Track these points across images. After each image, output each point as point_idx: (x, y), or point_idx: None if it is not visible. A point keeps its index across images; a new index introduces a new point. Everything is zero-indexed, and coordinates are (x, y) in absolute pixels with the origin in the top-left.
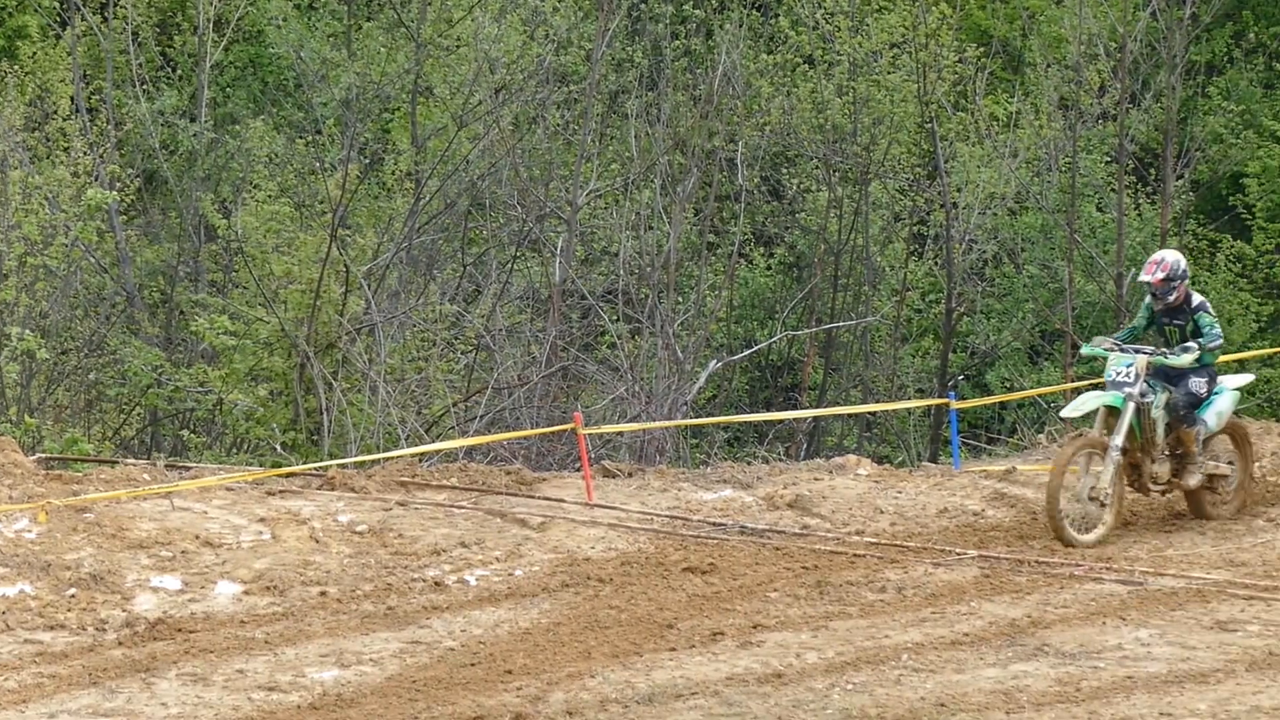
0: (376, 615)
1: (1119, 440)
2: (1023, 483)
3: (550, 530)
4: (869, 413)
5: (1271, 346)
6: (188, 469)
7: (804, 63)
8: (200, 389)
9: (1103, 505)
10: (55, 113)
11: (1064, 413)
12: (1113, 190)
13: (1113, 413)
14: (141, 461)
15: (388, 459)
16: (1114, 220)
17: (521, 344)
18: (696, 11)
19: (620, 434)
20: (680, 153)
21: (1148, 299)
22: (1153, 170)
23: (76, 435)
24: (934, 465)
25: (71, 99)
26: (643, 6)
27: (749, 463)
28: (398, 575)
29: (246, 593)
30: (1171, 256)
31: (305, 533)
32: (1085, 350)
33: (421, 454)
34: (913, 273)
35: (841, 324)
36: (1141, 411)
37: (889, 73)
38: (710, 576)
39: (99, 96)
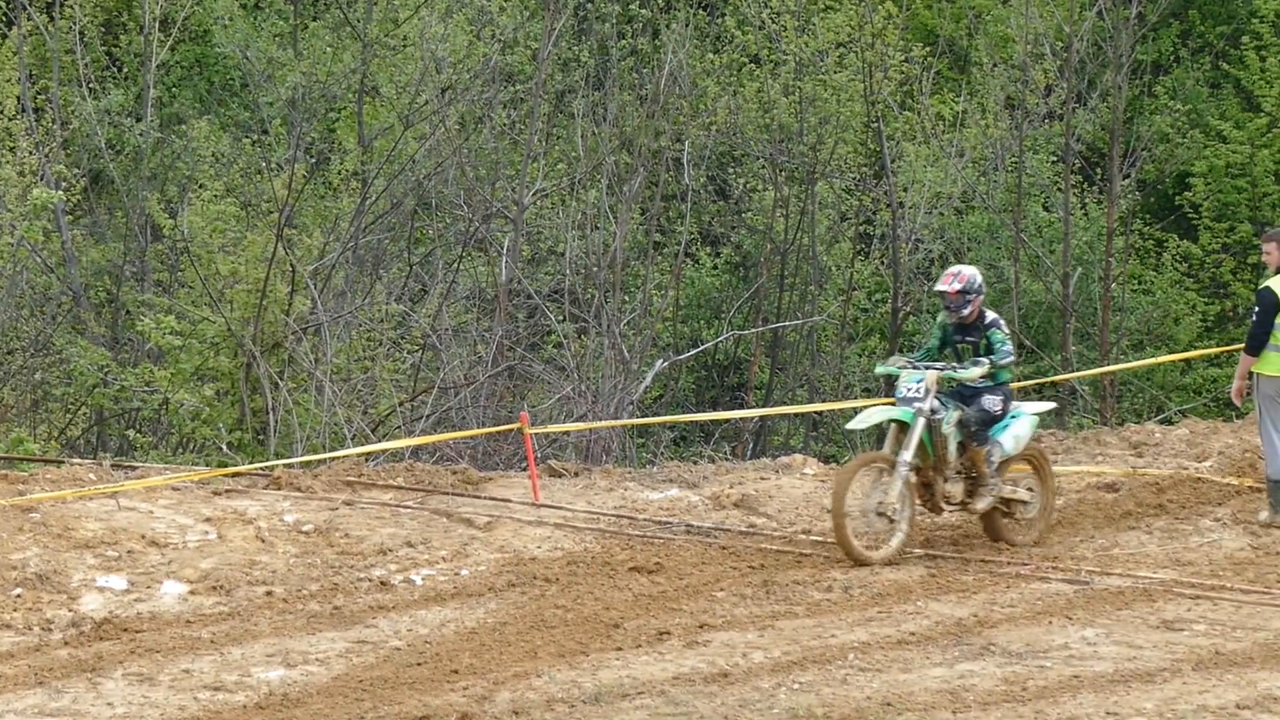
0: (323, 615)
1: (908, 456)
2: None
3: (496, 530)
4: (815, 412)
5: (1218, 346)
6: (134, 469)
7: (750, 62)
8: (146, 389)
9: (892, 521)
10: (1, 112)
11: (849, 426)
12: (1059, 190)
13: (903, 429)
14: (87, 461)
15: (334, 459)
16: (1060, 220)
17: (468, 343)
18: (643, 11)
19: (566, 433)
20: (626, 152)
21: (941, 316)
22: (1099, 170)
23: (22, 435)
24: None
25: (18, 98)
26: (589, 6)
27: (695, 462)
28: (344, 575)
29: (192, 592)
30: (969, 270)
31: (251, 533)
32: (879, 369)
33: (368, 454)
34: (859, 272)
35: (788, 323)
36: (932, 428)
37: (835, 72)
38: (656, 576)
39: (45, 96)
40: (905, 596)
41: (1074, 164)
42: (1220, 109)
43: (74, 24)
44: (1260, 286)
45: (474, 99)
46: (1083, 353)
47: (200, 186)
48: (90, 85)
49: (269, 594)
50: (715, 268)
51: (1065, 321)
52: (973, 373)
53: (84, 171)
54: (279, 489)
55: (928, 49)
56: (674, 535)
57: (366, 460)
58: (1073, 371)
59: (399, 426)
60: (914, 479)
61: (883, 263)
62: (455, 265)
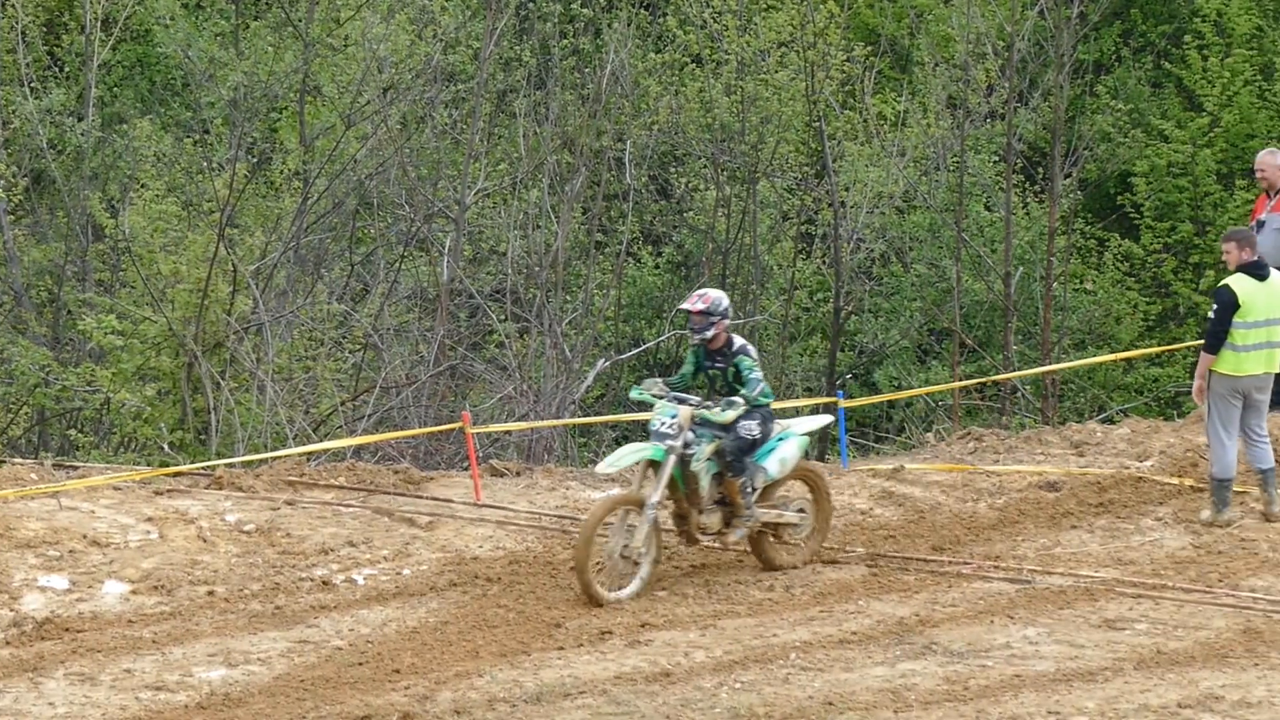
0: (264, 615)
1: (656, 497)
2: (910, 481)
3: (438, 529)
4: None
5: (1159, 345)
6: (75, 468)
7: (692, 62)
8: (88, 388)
9: (636, 563)
10: None
11: (599, 468)
12: (1001, 189)
13: (654, 464)
14: (29, 461)
15: (275, 458)
16: (1002, 219)
17: (409, 343)
18: (585, 11)
19: (508, 433)
20: (568, 152)
21: (695, 339)
22: (1040, 169)
23: None
24: (822, 464)
25: None
26: (531, 6)
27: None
28: (285, 575)
29: (134, 592)
30: (715, 293)
31: (193, 532)
32: (633, 394)
33: (309, 453)
34: (800, 271)
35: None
36: (684, 463)
37: (777, 72)
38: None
39: None
40: (847, 596)
41: (1016, 163)
42: (1162, 108)
43: (15, 24)
44: (1218, 285)
45: (416, 98)
46: (1024, 352)
47: (142, 186)
48: (31, 85)
49: (210, 594)
50: (657, 267)
51: (1007, 321)
52: (727, 416)
53: (25, 171)
54: (220, 489)
55: (869, 48)
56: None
57: (308, 460)
58: (1014, 371)
59: (341, 426)
60: (668, 511)
61: (824, 262)
62: (397, 265)
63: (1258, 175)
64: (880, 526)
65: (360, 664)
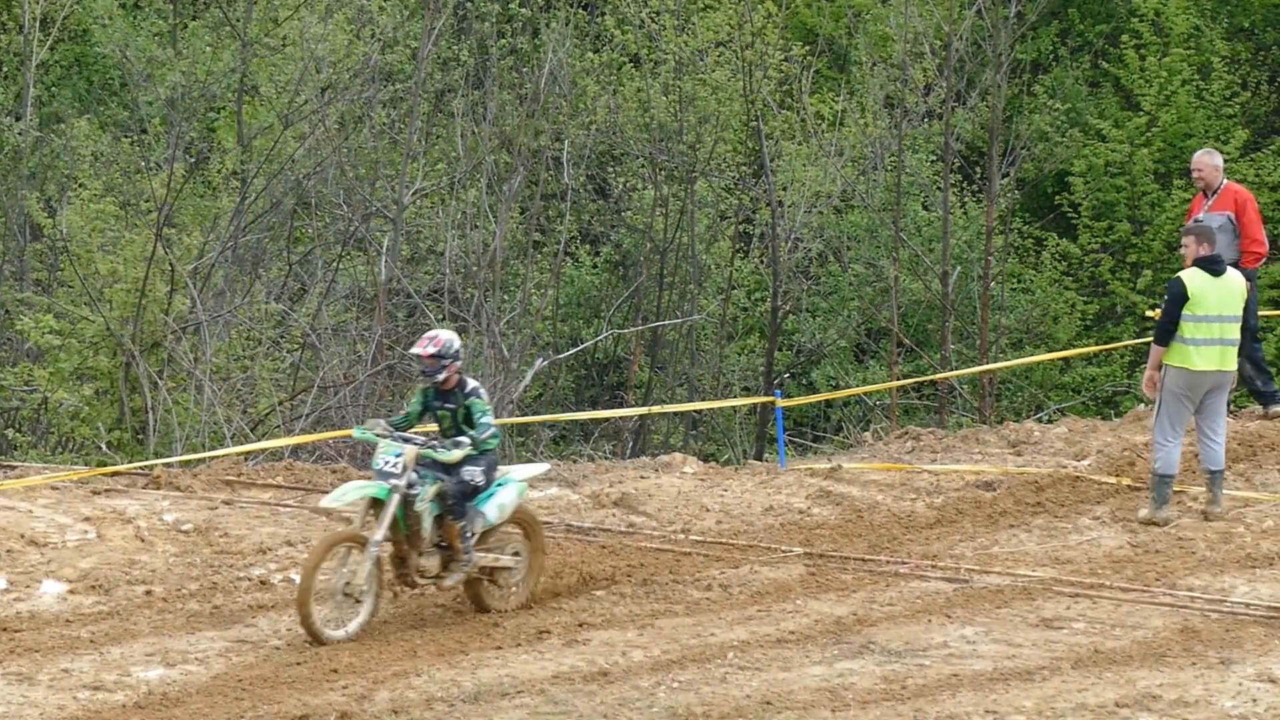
0: (202, 614)
1: (379, 535)
2: (848, 481)
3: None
4: (695, 411)
5: (1097, 345)
6: (13, 468)
7: (630, 62)
8: (25, 388)
9: (358, 601)
10: None
11: (324, 503)
12: (938, 188)
13: (377, 503)
14: None
15: (213, 458)
16: (940, 219)
17: (347, 343)
18: (523, 10)
19: None
20: (506, 151)
21: (427, 382)
22: (978, 168)
23: None
24: (760, 463)
25: None
26: (469, 5)
27: (575, 461)
28: (223, 574)
29: (72, 592)
30: (446, 335)
31: (130, 532)
32: (356, 433)
33: (247, 453)
34: (738, 271)
35: (667, 322)
36: (408, 503)
37: (714, 71)
38: None
39: None
40: (785, 595)
41: (953, 163)
42: (1099, 108)
43: None
44: (1171, 278)
45: (354, 98)
46: (962, 351)
47: (79, 185)
48: None
49: (148, 593)
50: (595, 267)
51: (944, 320)
52: (454, 455)
53: None
54: (158, 488)
55: (807, 48)
56: (554, 534)
57: (246, 459)
58: (952, 370)
59: (278, 426)
60: (388, 552)
61: (762, 261)
62: (335, 264)
63: (1194, 175)
64: (818, 526)
65: (298, 663)
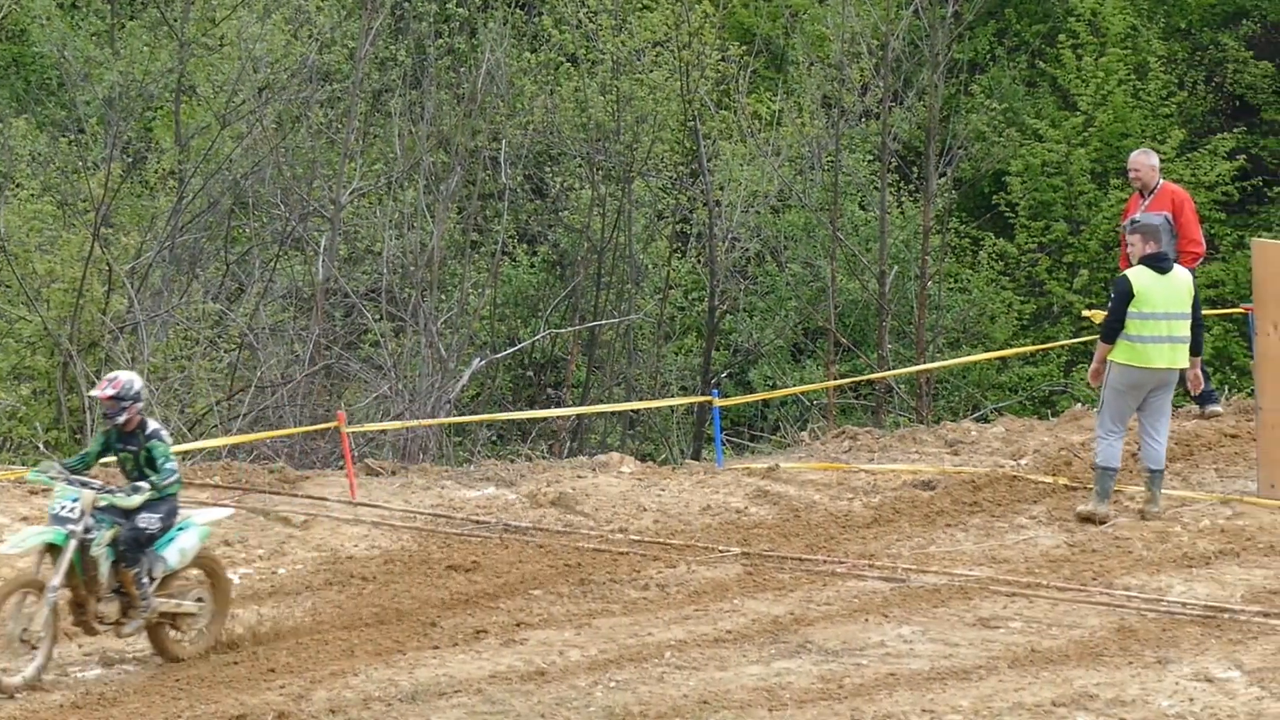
0: None
1: (56, 582)
2: (785, 480)
3: (313, 528)
4: (632, 410)
5: (1033, 344)
6: None
7: (567, 61)
8: None
9: (34, 646)
10: None
11: (3, 549)
12: (875, 188)
13: (54, 549)
14: None
15: None
16: (877, 218)
17: (285, 342)
18: (460, 10)
19: (384, 432)
20: (444, 151)
21: (108, 424)
22: (915, 168)
23: None
24: (697, 463)
25: None
26: (406, 5)
27: (512, 460)
28: None
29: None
30: (126, 376)
31: None
32: (31, 475)
33: (184, 452)
34: (676, 270)
35: (605, 322)
36: (85, 548)
37: (652, 71)
38: (473, 574)
39: None
40: (722, 594)
41: (890, 162)
42: (1036, 107)
43: None
44: (1118, 275)
45: (291, 98)
46: (899, 351)
47: (17, 185)
48: None
49: None
50: (532, 266)
51: (881, 320)
52: (133, 500)
53: None
54: None
55: (744, 48)
56: (491, 534)
57: (183, 459)
58: (889, 370)
59: (216, 425)
60: (66, 598)
61: (699, 261)
62: (272, 264)
63: (1131, 175)
64: (755, 525)
65: (235, 663)
